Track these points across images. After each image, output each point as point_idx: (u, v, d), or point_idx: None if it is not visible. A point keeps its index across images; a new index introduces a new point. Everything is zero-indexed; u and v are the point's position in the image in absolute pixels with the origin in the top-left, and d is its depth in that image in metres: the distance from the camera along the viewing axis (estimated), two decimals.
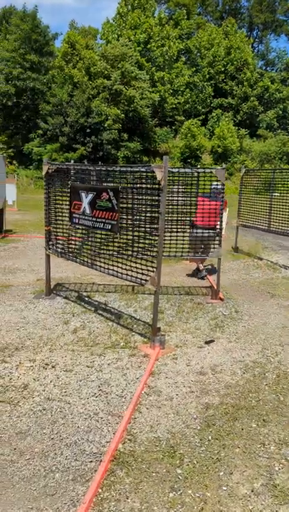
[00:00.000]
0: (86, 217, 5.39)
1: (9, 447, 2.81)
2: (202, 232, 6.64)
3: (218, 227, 6.43)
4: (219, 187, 6.40)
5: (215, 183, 6.53)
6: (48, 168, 5.93)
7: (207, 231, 6.69)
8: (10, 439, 2.90)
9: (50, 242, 6.11)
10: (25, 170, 27.85)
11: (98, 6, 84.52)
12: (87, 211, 5.34)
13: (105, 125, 27.61)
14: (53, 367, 3.98)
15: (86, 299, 6.13)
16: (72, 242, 6.01)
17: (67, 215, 5.80)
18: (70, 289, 6.58)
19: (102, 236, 5.62)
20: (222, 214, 6.39)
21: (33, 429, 3.02)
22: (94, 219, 5.25)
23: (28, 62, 28.45)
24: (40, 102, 28.60)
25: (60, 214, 5.95)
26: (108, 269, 5.21)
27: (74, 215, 5.61)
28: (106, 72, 29.12)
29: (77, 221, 5.59)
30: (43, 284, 6.26)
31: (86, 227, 5.51)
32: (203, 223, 6.71)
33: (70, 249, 5.98)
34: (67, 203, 5.75)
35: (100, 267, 5.35)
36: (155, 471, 2.63)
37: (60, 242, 6.06)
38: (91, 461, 2.69)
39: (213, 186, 6.64)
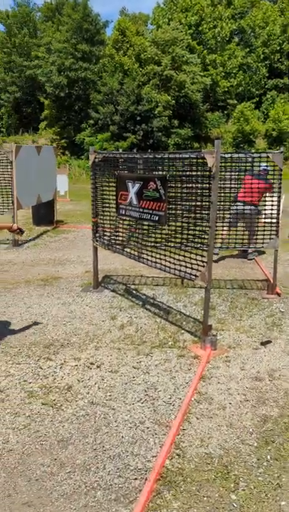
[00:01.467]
0: (133, 208, 5.13)
1: (50, 457, 2.65)
2: (243, 208, 6.67)
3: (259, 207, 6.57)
4: (269, 168, 6.17)
5: (264, 164, 6.20)
6: (95, 158, 5.73)
7: (249, 207, 6.73)
8: (51, 447, 2.74)
9: (97, 234, 5.94)
10: (77, 160, 28.09)
11: None
12: (134, 202, 5.08)
13: (155, 112, 27.17)
14: (98, 367, 3.80)
15: (134, 292, 5.92)
16: (119, 234, 5.79)
17: (113, 206, 5.58)
18: (117, 281, 6.40)
19: (150, 228, 5.35)
20: (273, 196, 6.22)
21: (76, 437, 2.84)
22: (141, 210, 4.99)
23: (79, 52, 28.51)
24: (91, 91, 28.64)
25: (107, 205, 5.74)
26: (155, 262, 4.94)
27: (120, 205, 5.38)
28: (156, 58, 28.57)
29: (123, 212, 5.35)
30: (91, 276, 6.13)
31: (133, 218, 5.26)
32: (245, 199, 6.68)
33: (116, 242, 5.77)
34: (114, 193, 5.53)
35: (147, 260, 5.09)
36: (206, 495, 2.35)
37: (107, 233, 5.87)
38: (135, 479, 2.46)
39: (262, 167, 6.49)
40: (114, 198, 5.51)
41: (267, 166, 6.27)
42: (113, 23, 33.82)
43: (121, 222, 5.71)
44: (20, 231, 4.51)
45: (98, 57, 29.81)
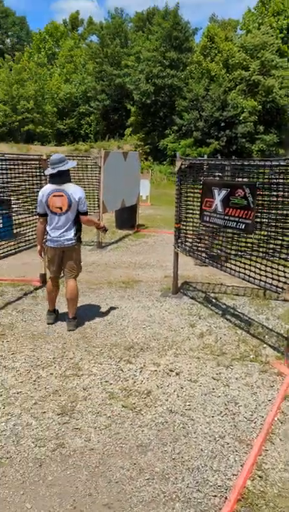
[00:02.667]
0: (218, 215, 5.04)
1: (129, 461, 2.66)
2: None
3: None
4: None
5: None
6: (181, 164, 5.73)
7: None
8: (130, 451, 2.76)
9: (179, 240, 5.93)
10: (159, 165, 28.46)
11: None
12: (219, 209, 4.99)
13: (240, 118, 26.64)
14: (177, 374, 3.77)
15: (213, 300, 5.81)
16: (202, 241, 5.72)
17: (197, 212, 5.53)
18: (197, 288, 6.33)
19: (234, 236, 5.22)
20: None
21: (154, 443, 2.83)
22: (226, 217, 4.88)
23: (167, 60, 28.91)
24: (176, 98, 28.88)
25: (191, 211, 5.71)
26: (239, 271, 4.80)
27: (205, 212, 5.32)
28: (244, 63, 28.04)
29: (208, 219, 5.28)
30: (170, 282, 6.12)
31: (217, 225, 5.17)
32: None
33: (199, 248, 5.71)
34: (198, 199, 5.48)
35: (230, 269, 4.96)
36: None
37: (189, 240, 5.83)
38: (215, 496, 2.38)
39: None
40: (198, 204, 5.46)
41: None
42: (202, 30, 33.76)
43: (204, 229, 5.64)
44: (105, 230, 5.13)
45: (185, 64, 29.98)
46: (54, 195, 4.48)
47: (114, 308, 5.41)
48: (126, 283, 6.50)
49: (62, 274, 4.89)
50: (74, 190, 4.53)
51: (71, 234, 4.57)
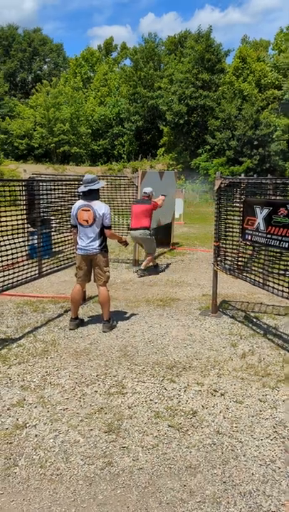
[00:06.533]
0: (260, 234, 5.00)
1: (179, 482, 2.62)
2: None
3: None
4: None
5: None
6: (221, 183, 5.74)
7: None
8: (179, 472, 2.71)
9: (219, 258, 5.89)
10: (192, 184, 28.61)
11: (270, 17, 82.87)
12: (262, 227, 4.95)
13: (273, 136, 26.54)
14: (222, 395, 3.70)
15: (254, 320, 5.71)
16: (243, 259, 5.67)
17: (237, 230, 5.50)
18: (236, 307, 6.24)
19: (276, 255, 5.15)
20: None
21: (203, 465, 2.78)
22: (269, 236, 4.83)
23: (200, 81, 29.35)
24: (209, 117, 29.15)
25: (231, 229, 5.68)
26: (282, 291, 4.71)
27: (246, 231, 5.28)
28: (277, 82, 28.08)
29: (249, 238, 5.24)
30: (209, 300, 6.07)
31: (259, 244, 5.12)
32: None
33: (239, 267, 5.65)
34: (238, 218, 5.46)
35: (273, 288, 4.88)
36: None
37: (229, 258, 5.79)
38: None
39: None
40: (238, 222, 5.43)
41: None
42: (234, 52, 34.14)
43: (245, 247, 5.60)
44: (126, 244, 5.66)
45: (218, 85, 30.33)
46: (82, 210, 5.13)
47: (154, 326, 5.40)
48: (164, 301, 6.50)
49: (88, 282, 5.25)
50: (99, 207, 5.12)
51: (96, 244, 5.13)
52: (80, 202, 5.21)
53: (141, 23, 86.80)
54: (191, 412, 3.40)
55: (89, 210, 5.06)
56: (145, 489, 2.56)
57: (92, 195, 5.15)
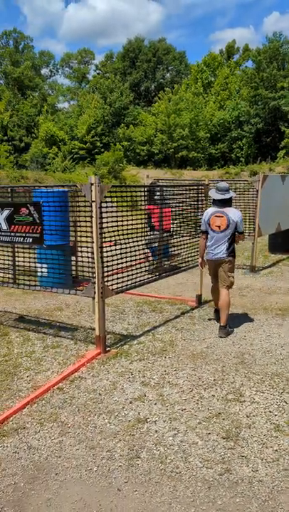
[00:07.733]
0: None
1: None
2: None
3: None
4: None
5: None
6: None
7: None
8: None
9: None
10: None
11: None
12: None
13: None
14: None
15: None
16: None
17: None
18: None
19: None
20: None
21: None
22: None
23: None
24: None
25: None
26: None
27: None
28: None
29: None
30: None
31: None
32: None
33: None
34: None
35: None
36: None
37: None
38: None
39: None
40: None
41: None
42: None
43: None
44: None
45: None
46: (216, 216, 5.27)
47: (272, 335, 5.20)
48: (283, 310, 6.21)
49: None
50: (234, 213, 5.25)
51: (225, 249, 5.23)
52: (213, 208, 5.35)
53: (265, 22, 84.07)
54: None
55: (222, 217, 5.20)
56: (265, 502, 2.48)
57: (225, 202, 5.29)
